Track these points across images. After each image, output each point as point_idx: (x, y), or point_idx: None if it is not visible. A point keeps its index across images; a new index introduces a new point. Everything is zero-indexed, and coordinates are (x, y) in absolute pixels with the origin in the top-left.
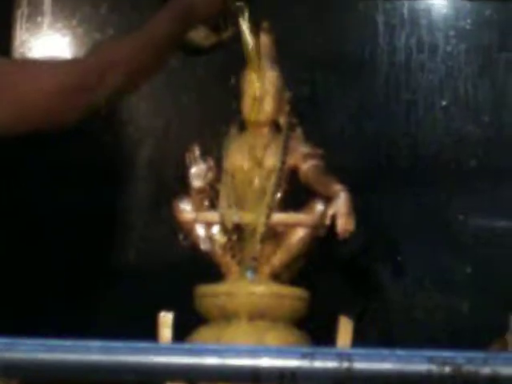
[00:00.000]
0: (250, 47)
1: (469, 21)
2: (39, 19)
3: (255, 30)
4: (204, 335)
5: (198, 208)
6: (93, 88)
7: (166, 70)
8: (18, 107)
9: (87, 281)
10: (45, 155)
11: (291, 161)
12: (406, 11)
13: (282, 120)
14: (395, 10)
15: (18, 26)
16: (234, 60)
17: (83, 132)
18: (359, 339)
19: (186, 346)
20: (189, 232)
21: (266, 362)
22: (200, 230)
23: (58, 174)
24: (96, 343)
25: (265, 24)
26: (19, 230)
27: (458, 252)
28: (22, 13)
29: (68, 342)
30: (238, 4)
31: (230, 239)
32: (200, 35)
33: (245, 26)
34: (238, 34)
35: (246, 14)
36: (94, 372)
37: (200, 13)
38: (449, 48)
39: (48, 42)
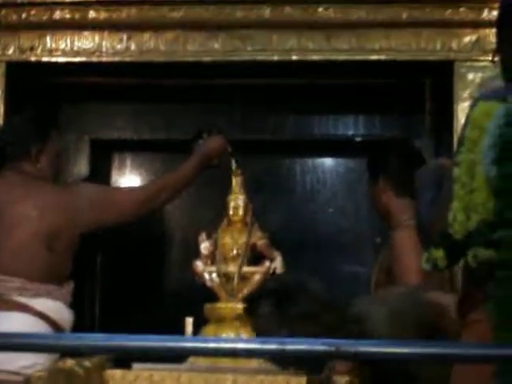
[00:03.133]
0: (234, 182)
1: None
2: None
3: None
4: (208, 331)
5: (205, 264)
6: (152, 201)
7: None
8: (116, 215)
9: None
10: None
11: (252, 240)
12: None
13: (248, 219)
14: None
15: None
16: (225, 187)
17: (145, 225)
18: None
19: (200, 337)
20: (200, 276)
21: (241, 344)
22: (206, 275)
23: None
24: (154, 337)
25: (239, 170)
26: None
27: None
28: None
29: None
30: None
31: (221, 280)
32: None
33: (233, 171)
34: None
35: (233, 162)
36: (151, 351)
37: (212, 158)
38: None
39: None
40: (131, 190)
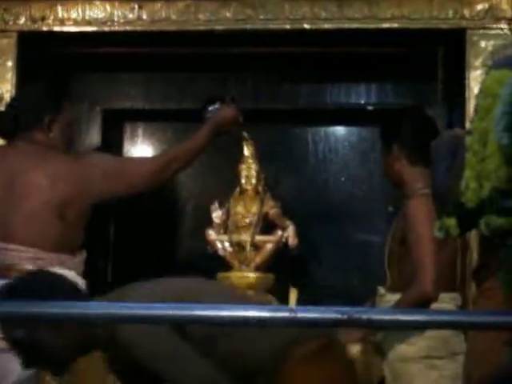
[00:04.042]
0: (246, 151)
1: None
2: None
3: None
4: None
5: (217, 233)
6: (163, 172)
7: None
8: (128, 185)
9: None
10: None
11: (264, 209)
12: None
13: (260, 187)
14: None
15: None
16: (236, 156)
17: (157, 194)
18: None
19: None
20: (212, 245)
21: (253, 312)
22: (218, 244)
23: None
24: (166, 305)
25: (250, 140)
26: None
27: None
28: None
29: None
30: (242, 130)
31: (233, 249)
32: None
33: (245, 140)
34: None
35: (245, 134)
36: (163, 319)
37: (224, 128)
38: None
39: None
40: (143, 161)
